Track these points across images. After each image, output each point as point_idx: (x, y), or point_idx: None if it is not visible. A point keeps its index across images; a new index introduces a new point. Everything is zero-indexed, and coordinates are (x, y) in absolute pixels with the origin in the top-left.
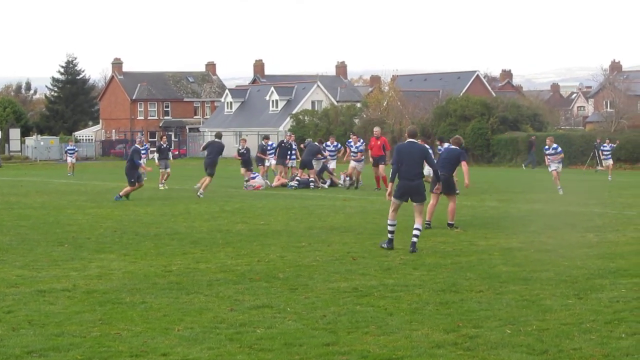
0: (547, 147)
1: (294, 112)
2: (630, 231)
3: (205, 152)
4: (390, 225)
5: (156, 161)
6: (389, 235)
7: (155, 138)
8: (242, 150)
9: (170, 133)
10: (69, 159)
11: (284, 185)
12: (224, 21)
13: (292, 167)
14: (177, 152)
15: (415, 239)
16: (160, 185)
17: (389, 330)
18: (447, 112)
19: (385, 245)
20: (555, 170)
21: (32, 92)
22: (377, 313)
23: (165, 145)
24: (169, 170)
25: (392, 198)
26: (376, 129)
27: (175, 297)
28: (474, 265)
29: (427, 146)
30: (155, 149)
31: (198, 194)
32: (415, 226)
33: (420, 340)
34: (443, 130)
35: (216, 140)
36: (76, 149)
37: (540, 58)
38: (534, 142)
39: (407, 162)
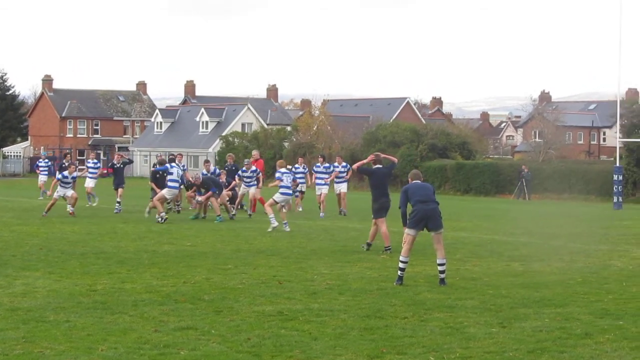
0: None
1: (223, 133)
2: (555, 261)
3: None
4: (403, 262)
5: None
6: (399, 273)
7: (84, 156)
8: (117, 165)
9: (99, 151)
10: None
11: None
12: (155, 41)
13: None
14: (105, 172)
15: (442, 275)
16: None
17: (313, 354)
18: (377, 138)
19: (396, 283)
20: None
21: None
22: (301, 337)
23: (67, 164)
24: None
25: (407, 229)
26: (254, 152)
27: (100, 316)
28: (399, 291)
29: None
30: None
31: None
32: (438, 261)
33: None
34: None
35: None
36: None
37: (470, 87)
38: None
39: (416, 192)
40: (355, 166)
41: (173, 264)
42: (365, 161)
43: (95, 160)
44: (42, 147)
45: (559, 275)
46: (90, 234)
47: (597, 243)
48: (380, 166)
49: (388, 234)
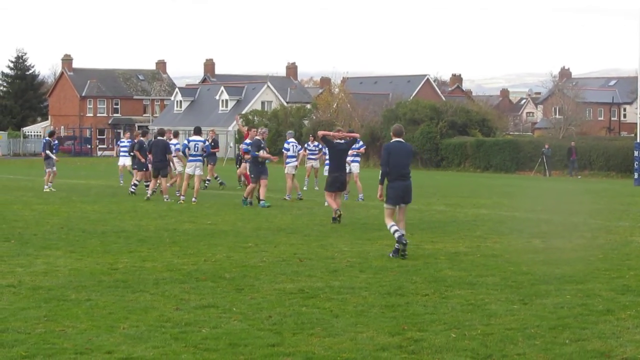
0: None
1: (243, 112)
2: (576, 238)
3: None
4: (393, 225)
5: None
6: (398, 236)
7: (104, 135)
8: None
9: (119, 130)
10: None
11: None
12: (174, 19)
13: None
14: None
15: (399, 235)
16: (45, 187)
17: (334, 332)
18: (397, 116)
19: (392, 255)
20: None
21: None
22: (322, 315)
23: (55, 143)
24: (54, 169)
25: (385, 204)
26: (243, 126)
27: (121, 295)
28: (420, 268)
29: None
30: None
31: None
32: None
33: (365, 342)
34: None
35: (159, 138)
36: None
37: (490, 63)
38: (574, 148)
39: (400, 162)
40: (320, 133)
41: (194, 242)
42: (330, 133)
43: (56, 141)
44: (50, 127)
45: (580, 252)
46: (111, 212)
47: (618, 219)
48: (341, 142)
49: (334, 202)
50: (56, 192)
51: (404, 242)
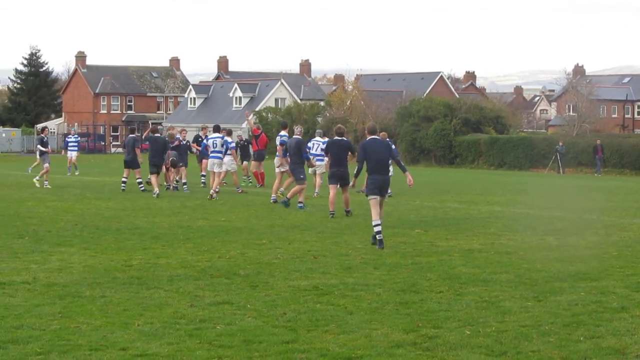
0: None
1: (257, 109)
2: (590, 235)
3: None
4: (377, 225)
5: (38, 156)
6: (378, 237)
7: (117, 132)
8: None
9: (133, 127)
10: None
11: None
12: (188, 16)
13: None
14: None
15: (380, 236)
16: (36, 179)
17: (348, 329)
18: (410, 113)
19: (378, 247)
20: None
21: None
22: (337, 312)
23: (46, 139)
24: (47, 165)
25: (370, 195)
26: (255, 125)
27: (136, 291)
28: (434, 266)
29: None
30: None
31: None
32: (376, 222)
33: (379, 339)
34: (406, 131)
35: (158, 135)
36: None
37: (504, 61)
38: (600, 146)
39: (377, 157)
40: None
41: (207, 239)
42: None
43: (77, 136)
44: (75, 124)
45: (594, 249)
46: (125, 209)
47: (632, 217)
48: (341, 139)
49: (333, 201)
50: (70, 190)
51: (377, 241)
